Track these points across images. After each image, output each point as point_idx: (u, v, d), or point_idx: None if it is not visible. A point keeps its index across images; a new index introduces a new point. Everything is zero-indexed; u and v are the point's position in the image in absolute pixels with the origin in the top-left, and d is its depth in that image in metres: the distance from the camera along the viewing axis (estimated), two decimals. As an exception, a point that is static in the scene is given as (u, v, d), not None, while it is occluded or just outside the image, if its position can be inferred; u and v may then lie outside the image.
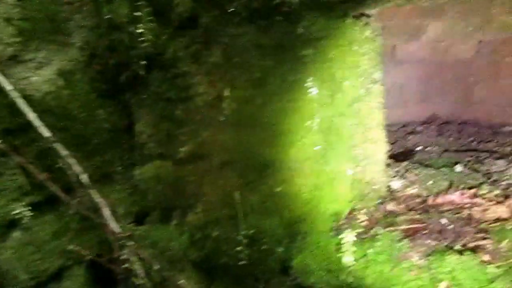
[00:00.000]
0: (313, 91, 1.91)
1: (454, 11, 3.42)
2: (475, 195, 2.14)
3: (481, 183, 2.27)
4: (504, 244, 1.71)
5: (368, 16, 2.01)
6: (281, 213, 2.12)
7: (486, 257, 1.67)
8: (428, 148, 3.09)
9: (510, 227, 1.82)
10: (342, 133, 2.00)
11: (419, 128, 3.67)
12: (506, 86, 3.43)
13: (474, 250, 1.72)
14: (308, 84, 1.91)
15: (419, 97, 3.82)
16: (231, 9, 1.90)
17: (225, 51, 1.99)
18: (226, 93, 2.01)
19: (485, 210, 2.00)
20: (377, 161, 2.15)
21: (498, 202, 2.05)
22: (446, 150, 2.96)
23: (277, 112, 2.00)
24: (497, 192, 2.13)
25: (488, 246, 1.73)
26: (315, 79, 1.90)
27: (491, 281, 1.56)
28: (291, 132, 2.01)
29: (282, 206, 2.13)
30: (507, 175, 2.39)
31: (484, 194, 2.14)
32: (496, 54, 3.43)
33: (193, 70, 2.05)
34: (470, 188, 2.22)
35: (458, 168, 2.54)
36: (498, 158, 2.69)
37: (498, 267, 1.61)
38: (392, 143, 3.15)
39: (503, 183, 2.28)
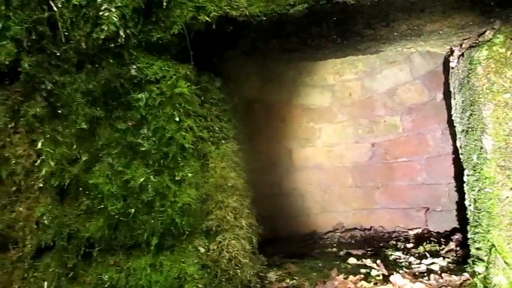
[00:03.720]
0: (146, 144, 1.56)
1: (342, 113, 3.46)
2: (361, 279, 1.72)
3: (372, 269, 1.87)
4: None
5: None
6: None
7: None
8: (329, 250, 2.70)
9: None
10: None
11: (323, 237, 3.31)
12: (403, 189, 3.29)
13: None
14: (143, 134, 1.58)
15: (321, 206, 3.56)
16: (58, 54, 1.64)
17: (48, 102, 1.66)
18: (43, 148, 1.61)
19: (370, 291, 1.57)
20: (239, 237, 1.71)
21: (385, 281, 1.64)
22: (343, 249, 2.59)
23: (104, 173, 1.60)
24: (384, 272, 1.74)
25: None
26: (149, 128, 1.58)
27: None
28: (122, 197, 1.58)
29: (111, 301, 1.56)
30: (403, 261, 2.03)
31: (373, 277, 1.73)
32: (389, 156, 3.36)
33: (10, 128, 1.67)
34: (355, 274, 1.80)
35: (352, 260, 2.15)
36: (397, 251, 2.35)
37: None
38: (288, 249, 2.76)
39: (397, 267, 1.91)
